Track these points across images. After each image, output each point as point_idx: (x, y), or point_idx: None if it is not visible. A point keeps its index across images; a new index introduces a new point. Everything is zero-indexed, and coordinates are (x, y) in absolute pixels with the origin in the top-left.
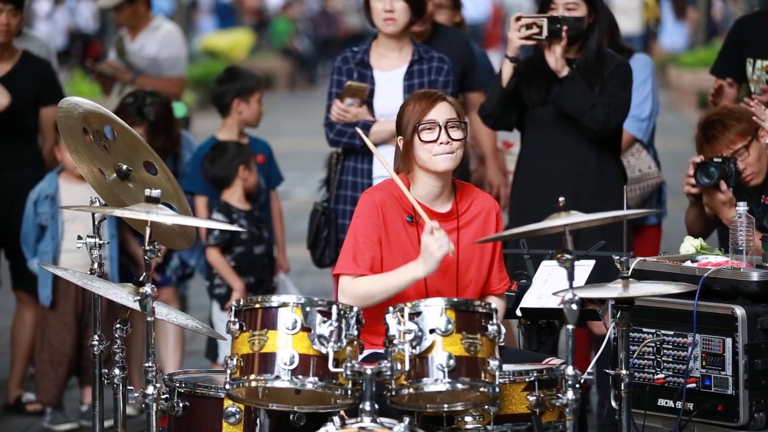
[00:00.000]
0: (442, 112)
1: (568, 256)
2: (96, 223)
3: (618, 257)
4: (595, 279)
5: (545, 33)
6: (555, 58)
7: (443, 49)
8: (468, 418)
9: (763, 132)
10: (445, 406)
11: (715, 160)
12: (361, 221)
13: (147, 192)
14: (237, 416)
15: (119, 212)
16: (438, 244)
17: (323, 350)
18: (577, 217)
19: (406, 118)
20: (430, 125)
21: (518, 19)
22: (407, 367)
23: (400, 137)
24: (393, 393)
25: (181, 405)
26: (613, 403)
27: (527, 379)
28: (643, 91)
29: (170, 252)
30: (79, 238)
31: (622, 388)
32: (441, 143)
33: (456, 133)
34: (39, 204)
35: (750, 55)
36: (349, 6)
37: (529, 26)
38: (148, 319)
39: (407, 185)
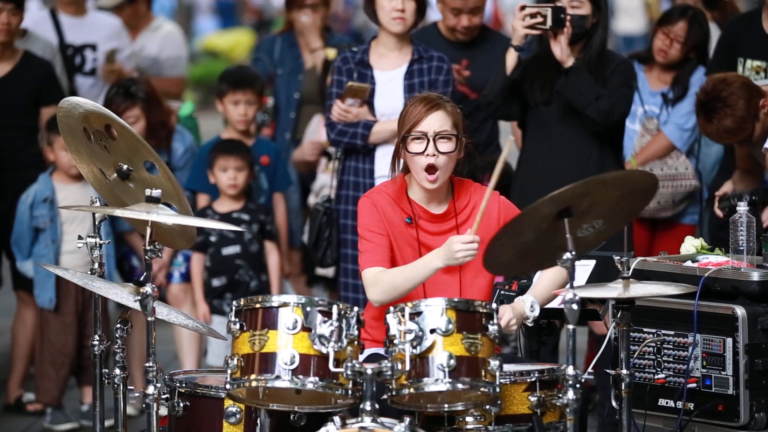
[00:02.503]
0: (433, 122)
1: (569, 256)
2: (96, 223)
3: (618, 257)
4: (595, 279)
5: (549, 22)
6: (560, 48)
7: (495, 50)
8: (469, 419)
9: (764, 102)
10: (446, 406)
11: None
12: (366, 221)
13: (147, 192)
14: (237, 416)
15: (119, 212)
16: (465, 254)
17: (324, 350)
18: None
19: (401, 123)
20: (419, 136)
21: (522, 8)
22: (408, 367)
23: (399, 143)
24: (393, 393)
25: (181, 405)
26: (614, 403)
27: (528, 380)
28: (692, 101)
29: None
30: (80, 238)
31: (623, 388)
32: (427, 155)
33: (445, 146)
34: (35, 207)
35: (741, 55)
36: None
37: (533, 15)
38: (149, 319)
39: (405, 186)
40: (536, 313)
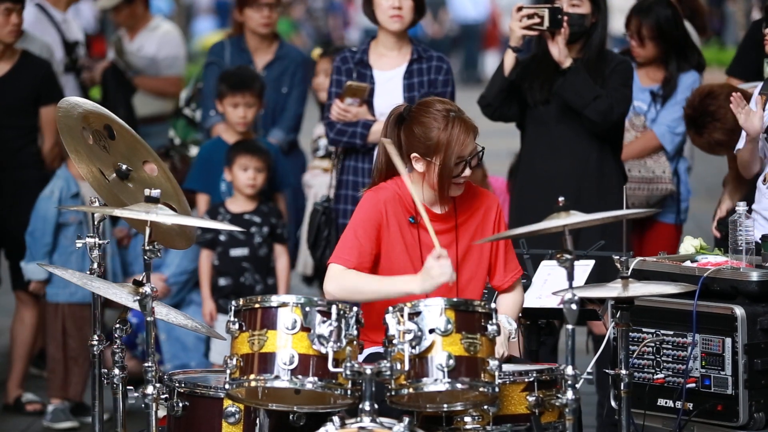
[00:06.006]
0: (471, 145)
1: (568, 256)
2: (96, 223)
3: (618, 257)
4: (594, 279)
5: (547, 23)
6: (558, 49)
7: None
8: (467, 419)
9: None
10: (445, 406)
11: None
12: (361, 216)
13: (146, 192)
14: (237, 416)
15: (119, 212)
16: (441, 270)
17: (323, 350)
18: (576, 218)
19: (443, 141)
20: (461, 161)
21: (520, 9)
22: (407, 367)
23: (416, 156)
24: (392, 393)
25: (180, 405)
26: (613, 403)
27: (527, 380)
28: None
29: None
30: (79, 237)
31: (622, 388)
32: (464, 177)
33: (474, 161)
34: (63, 203)
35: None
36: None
37: (530, 16)
38: (148, 319)
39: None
40: (514, 326)
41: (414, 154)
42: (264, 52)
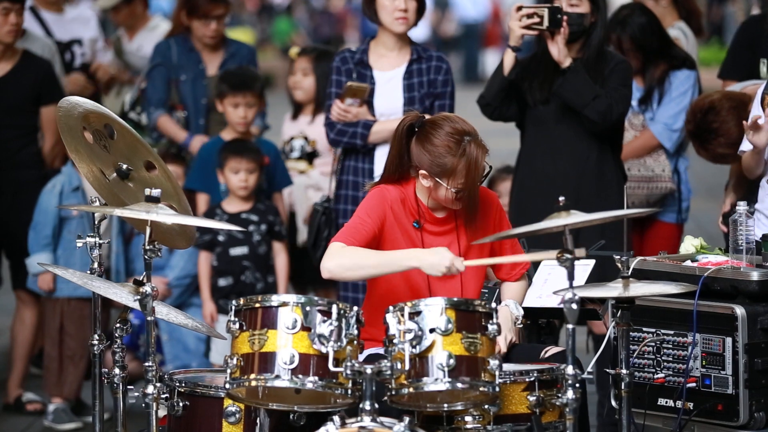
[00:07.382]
0: (484, 164)
1: (568, 256)
2: (96, 222)
3: (618, 257)
4: (595, 278)
5: (546, 23)
6: (558, 49)
7: None
8: (468, 418)
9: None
10: (445, 405)
11: None
12: (368, 205)
13: (147, 191)
14: (237, 416)
15: (119, 212)
16: (450, 271)
17: (323, 350)
18: (577, 217)
19: (461, 168)
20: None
21: (519, 8)
22: (407, 367)
23: (424, 173)
24: (393, 392)
25: (181, 404)
26: (613, 403)
27: (527, 379)
28: (681, 102)
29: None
30: (80, 237)
31: (622, 387)
32: None
33: (483, 180)
34: (65, 197)
35: (764, 55)
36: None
37: (530, 16)
38: (148, 318)
39: (414, 186)
40: (521, 312)
41: (423, 171)
42: (214, 53)
